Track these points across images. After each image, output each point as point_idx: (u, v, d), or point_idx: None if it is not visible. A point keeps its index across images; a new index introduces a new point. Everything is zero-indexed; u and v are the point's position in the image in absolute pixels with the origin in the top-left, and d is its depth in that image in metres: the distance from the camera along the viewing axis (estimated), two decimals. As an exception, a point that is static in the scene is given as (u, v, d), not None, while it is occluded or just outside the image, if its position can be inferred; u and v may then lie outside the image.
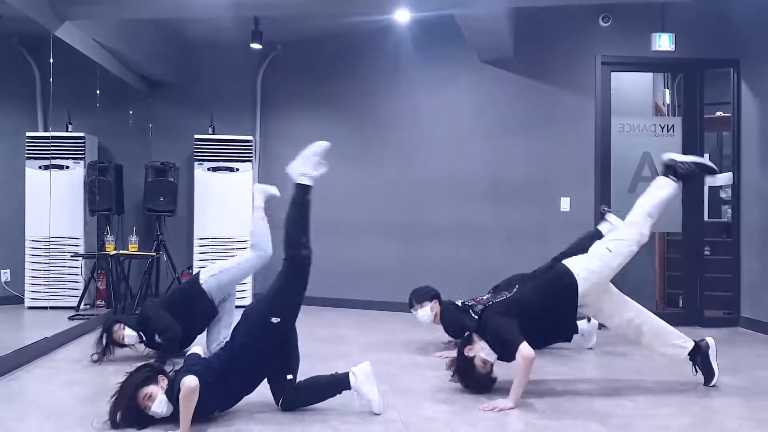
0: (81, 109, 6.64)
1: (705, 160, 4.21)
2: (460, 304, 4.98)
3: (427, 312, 4.89)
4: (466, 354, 3.74)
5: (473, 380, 3.74)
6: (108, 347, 4.52)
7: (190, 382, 3.08)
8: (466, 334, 3.93)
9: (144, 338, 4.56)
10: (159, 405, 3.14)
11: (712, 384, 3.90)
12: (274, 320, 3.34)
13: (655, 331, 3.89)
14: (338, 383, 3.42)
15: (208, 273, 4.70)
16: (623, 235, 3.92)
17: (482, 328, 3.75)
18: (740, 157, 6.15)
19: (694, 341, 3.92)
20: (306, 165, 3.80)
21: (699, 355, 3.91)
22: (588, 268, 3.78)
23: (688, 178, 4.05)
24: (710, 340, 3.94)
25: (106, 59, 6.37)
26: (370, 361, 3.47)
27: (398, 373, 4.31)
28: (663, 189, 3.99)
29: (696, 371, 3.92)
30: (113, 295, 6.50)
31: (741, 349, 5.15)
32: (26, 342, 4.80)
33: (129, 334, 4.53)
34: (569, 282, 3.75)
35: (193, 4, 5.25)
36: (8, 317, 6.24)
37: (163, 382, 3.20)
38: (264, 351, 3.36)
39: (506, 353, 3.61)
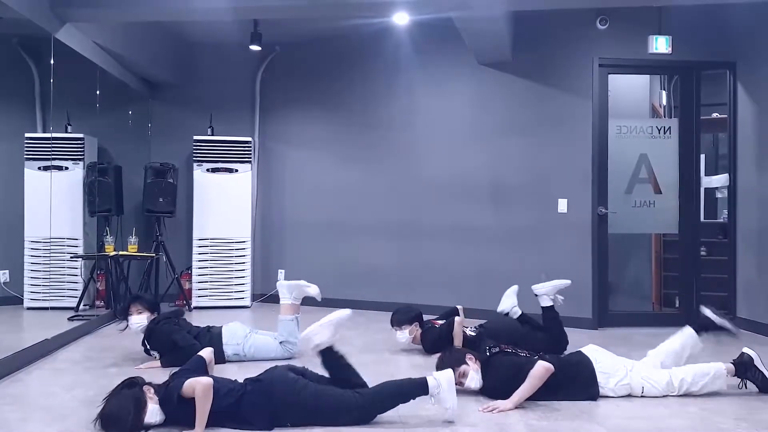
0: (80, 110, 6.64)
1: (731, 325, 4.11)
2: (438, 326, 5.05)
3: (405, 335, 5.00)
4: (466, 360, 3.78)
5: (442, 362, 3.77)
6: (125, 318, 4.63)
7: (207, 380, 3.11)
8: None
9: (147, 344, 4.59)
10: (152, 415, 3.14)
11: None
12: (289, 425, 3.27)
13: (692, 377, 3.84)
14: (416, 388, 3.33)
15: (233, 343, 4.67)
16: (662, 384, 3.79)
17: (489, 365, 3.78)
18: (736, 158, 6.19)
19: (732, 362, 3.89)
20: (322, 335, 3.43)
21: (743, 366, 3.86)
22: (614, 389, 3.76)
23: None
24: (751, 352, 3.91)
25: (106, 61, 6.38)
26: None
27: (397, 374, 4.30)
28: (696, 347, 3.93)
29: (745, 385, 3.87)
30: (113, 295, 6.52)
31: (737, 350, 5.17)
32: (26, 343, 4.81)
33: (136, 321, 4.57)
34: (591, 389, 3.75)
35: (193, 8, 5.26)
36: (7, 318, 6.25)
37: (149, 392, 3.19)
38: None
39: (519, 376, 3.63)
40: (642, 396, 3.77)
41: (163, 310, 4.86)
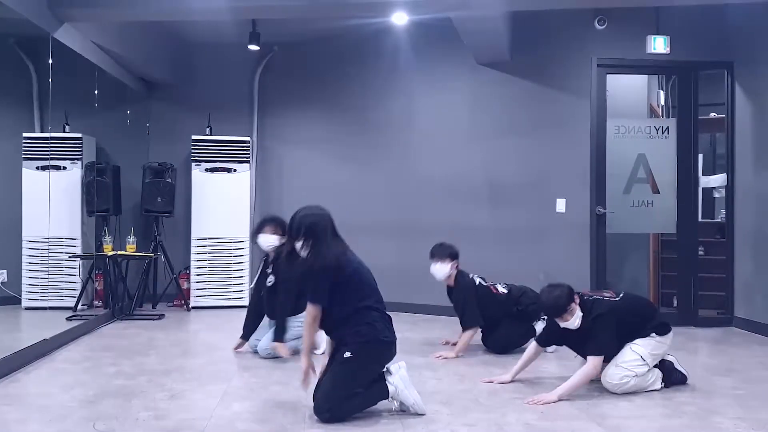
0: (78, 110, 6.64)
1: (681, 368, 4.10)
2: (478, 283, 5.02)
3: (445, 270, 4.92)
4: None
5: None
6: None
7: (315, 311, 3.51)
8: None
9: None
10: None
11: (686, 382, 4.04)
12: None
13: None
14: (378, 393, 3.46)
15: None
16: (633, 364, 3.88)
17: (591, 318, 3.83)
18: (734, 158, 6.21)
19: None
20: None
21: (668, 372, 3.99)
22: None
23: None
24: (669, 357, 4.05)
25: (104, 60, 6.37)
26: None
27: (397, 374, 4.33)
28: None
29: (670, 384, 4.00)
30: (111, 295, 6.52)
31: (735, 350, 5.20)
32: (25, 343, 4.79)
33: (267, 241, 4.75)
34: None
35: (192, 8, 5.26)
36: (5, 318, 6.25)
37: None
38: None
39: (588, 346, 3.83)
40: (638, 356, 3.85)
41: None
